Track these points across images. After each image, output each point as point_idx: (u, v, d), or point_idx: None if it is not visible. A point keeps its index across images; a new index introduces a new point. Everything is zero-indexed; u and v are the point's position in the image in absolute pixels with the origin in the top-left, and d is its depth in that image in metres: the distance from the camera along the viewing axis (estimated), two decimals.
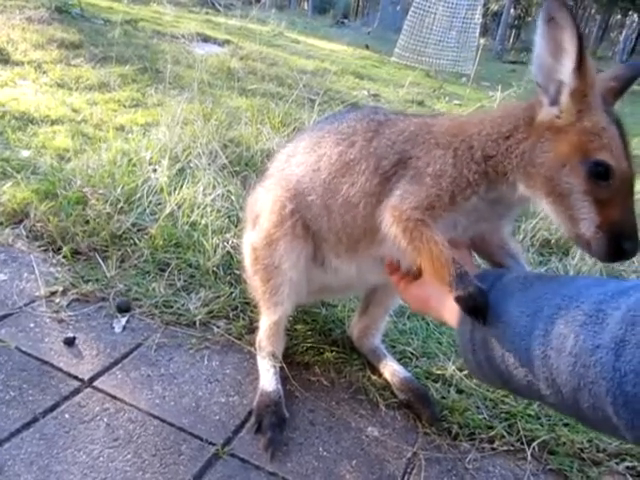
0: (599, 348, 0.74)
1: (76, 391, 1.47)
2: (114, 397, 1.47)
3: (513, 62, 19.19)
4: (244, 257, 1.63)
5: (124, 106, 4.00)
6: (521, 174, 1.09)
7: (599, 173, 0.98)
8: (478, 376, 1.06)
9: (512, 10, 30.58)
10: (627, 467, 1.48)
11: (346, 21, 28.24)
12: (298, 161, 1.46)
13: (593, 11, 40.84)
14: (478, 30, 12.99)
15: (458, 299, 1.05)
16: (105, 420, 1.40)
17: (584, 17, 39.02)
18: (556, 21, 0.98)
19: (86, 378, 1.52)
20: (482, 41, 13.04)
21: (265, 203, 1.49)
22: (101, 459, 1.29)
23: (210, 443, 1.38)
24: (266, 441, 1.38)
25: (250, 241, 1.54)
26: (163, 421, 1.42)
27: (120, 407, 1.44)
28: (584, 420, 0.84)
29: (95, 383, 1.51)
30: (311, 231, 1.45)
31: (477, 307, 1.02)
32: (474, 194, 1.15)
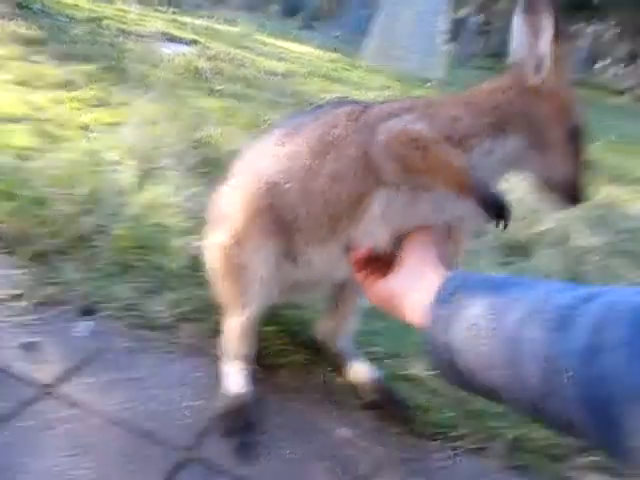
0: (567, 354, 0.74)
1: (36, 397, 1.42)
2: (76, 403, 1.43)
3: (480, 67, 19.54)
4: (210, 259, 1.60)
5: (89, 105, 3.90)
6: (518, 124, 1.21)
7: (574, 133, 1.20)
8: (446, 378, 1.05)
9: (478, 17, 31.15)
10: (591, 462, 1.51)
11: (315, 24, 28.29)
12: (270, 154, 1.44)
13: None
14: (445, 36, 13.19)
15: (486, 201, 1.14)
16: (67, 427, 1.35)
17: None
18: (534, 8, 1.19)
19: (47, 384, 1.47)
20: (449, 47, 13.25)
21: (234, 201, 1.47)
22: (62, 467, 1.24)
23: (177, 448, 1.35)
24: (234, 445, 1.36)
25: (218, 241, 1.51)
26: (127, 426, 1.39)
27: (82, 413, 1.40)
28: (552, 425, 0.84)
29: (56, 389, 1.46)
30: (284, 225, 1.43)
31: (503, 208, 1.14)
32: (480, 141, 1.21)
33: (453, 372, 0.98)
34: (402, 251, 1.22)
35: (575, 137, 1.21)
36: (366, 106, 1.38)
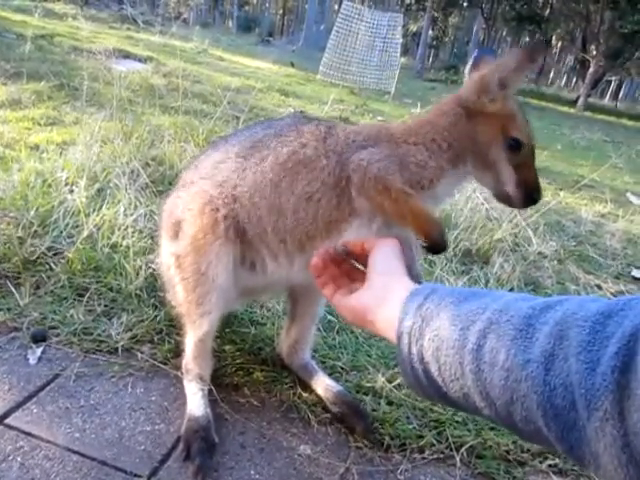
0: (529, 362, 0.76)
1: None
2: (29, 434, 1.37)
3: (432, 80, 20.02)
4: (164, 270, 1.57)
5: (39, 124, 3.82)
6: (470, 153, 1.35)
7: (514, 146, 1.30)
8: (417, 391, 1.05)
9: (430, 31, 31.92)
10: (549, 465, 1.55)
11: (271, 39, 28.48)
12: (232, 167, 1.43)
13: (504, 33, 43.34)
14: (399, 49, 13.47)
15: (437, 245, 1.31)
16: (19, 460, 1.30)
17: (496, 38, 41.33)
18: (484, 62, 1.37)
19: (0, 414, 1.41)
20: (403, 60, 13.55)
21: (190, 209, 1.43)
22: None
23: (135, 475, 1.31)
24: (195, 468, 1.33)
25: (172, 250, 1.48)
26: (83, 456, 1.34)
27: (35, 444, 1.35)
28: (518, 432, 0.85)
29: (7, 420, 1.40)
30: (245, 235, 1.42)
31: (443, 249, 1.33)
32: (443, 176, 1.36)
33: (422, 384, 0.99)
34: (370, 264, 1.21)
35: (518, 149, 1.31)
36: (329, 126, 1.43)
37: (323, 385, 1.66)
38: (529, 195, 1.33)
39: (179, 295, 1.50)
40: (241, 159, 1.43)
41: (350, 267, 1.26)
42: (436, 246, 1.31)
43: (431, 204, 1.39)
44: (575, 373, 0.69)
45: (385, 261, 1.20)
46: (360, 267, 1.25)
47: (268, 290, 1.70)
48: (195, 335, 1.51)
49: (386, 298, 1.11)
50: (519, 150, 1.31)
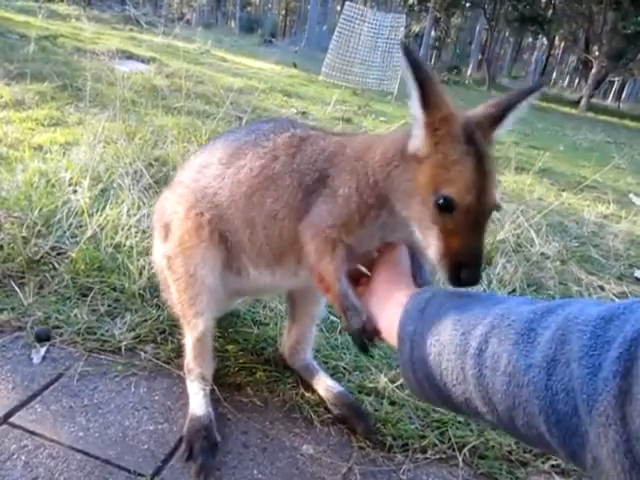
0: (531, 367, 0.76)
1: None
2: (33, 433, 1.38)
3: None
4: (158, 271, 1.59)
5: (42, 125, 3.83)
6: (395, 199, 1.17)
7: (444, 206, 1.03)
8: (419, 395, 1.05)
9: (433, 32, 31.92)
10: (552, 465, 1.55)
11: (274, 40, 28.51)
12: (214, 173, 1.44)
13: (507, 34, 43.33)
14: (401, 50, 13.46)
15: (348, 331, 1.20)
16: (23, 458, 1.31)
17: (499, 39, 41.34)
18: (406, 63, 1.07)
19: (1, 414, 1.41)
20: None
21: (177, 212, 1.46)
22: None
23: (139, 474, 1.32)
24: (197, 467, 1.33)
25: (163, 251, 1.50)
26: (87, 454, 1.35)
27: (39, 443, 1.36)
28: (521, 438, 0.85)
29: (11, 419, 1.41)
30: (229, 241, 1.44)
31: (362, 343, 1.17)
32: (379, 215, 1.22)
33: (424, 388, 0.99)
34: (374, 270, 1.23)
35: (449, 211, 1.03)
36: (302, 138, 1.38)
37: (324, 386, 1.66)
38: (454, 271, 1.04)
39: (173, 296, 1.53)
40: (222, 166, 1.44)
41: (356, 270, 1.25)
42: (353, 339, 1.20)
43: (385, 236, 1.26)
44: (577, 378, 0.69)
45: (389, 268, 1.21)
46: (365, 271, 1.24)
47: (260, 293, 1.70)
48: (192, 335, 1.53)
49: (388, 303, 1.12)
50: (450, 211, 1.03)
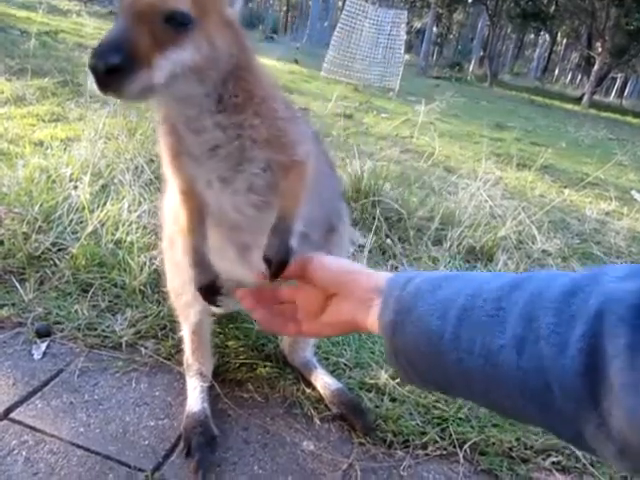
0: (503, 348, 0.76)
1: None
2: (33, 428, 1.38)
3: (437, 77, 19.97)
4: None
5: (43, 120, 3.82)
6: None
7: None
8: (403, 378, 1.06)
9: (435, 28, 31.83)
10: (553, 462, 1.54)
11: (275, 36, 28.45)
12: None
13: (509, 30, 43.21)
14: (403, 46, 13.43)
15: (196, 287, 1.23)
16: (24, 454, 1.31)
17: (501, 35, 41.20)
18: None
19: (1, 410, 1.41)
20: (407, 57, 13.50)
21: (164, 205, 1.47)
22: None
23: (139, 470, 1.32)
24: (195, 463, 1.33)
25: (161, 245, 1.54)
26: (88, 450, 1.35)
27: (40, 438, 1.36)
28: (505, 415, 0.88)
29: (12, 415, 1.41)
30: None
31: (209, 299, 1.24)
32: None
33: (408, 373, 1.00)
34: (320, 277, 1.08)
35: None
36: None
37: (322, 383, 1.66)
38: None
39: (168, 287, 1.55)
40: None
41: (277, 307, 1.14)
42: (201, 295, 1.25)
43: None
44: (546, 356, 0.69)
45: (335, 264, 1.10)
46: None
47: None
48: (187, 328, 1.54)
49: (371, 299, 1.06)
50: None
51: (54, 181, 2.49)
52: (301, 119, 1.30)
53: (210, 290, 1.23)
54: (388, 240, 2.78)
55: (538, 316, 0.73)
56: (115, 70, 0.86)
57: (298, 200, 1.19)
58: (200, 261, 1.23)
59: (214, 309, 1.50)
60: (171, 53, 0.91)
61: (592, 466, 1.55)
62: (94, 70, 0.86)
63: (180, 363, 1.65)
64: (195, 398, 1.50)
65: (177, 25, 0.92)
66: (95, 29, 9.21)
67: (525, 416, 0.80)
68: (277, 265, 1.11)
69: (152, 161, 2.99)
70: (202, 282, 1.23)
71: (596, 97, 27.30)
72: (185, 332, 1.56)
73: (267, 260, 1.13)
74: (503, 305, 0.79)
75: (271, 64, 11.70)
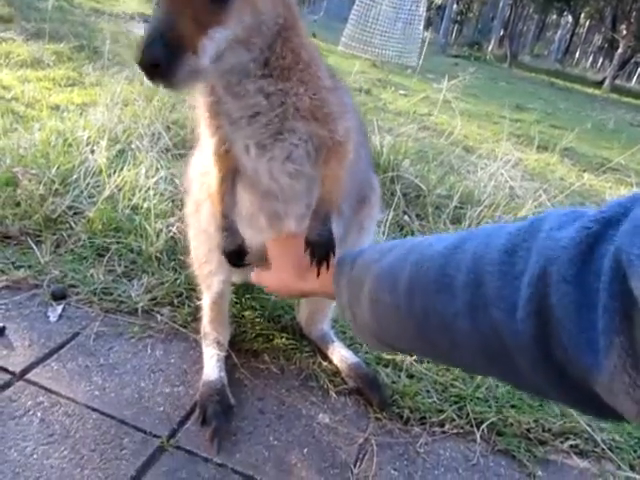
0: (457, 315, 0.76)
1: (6, 385, 1.36)
2: (49, 390, 1.37)
3: (456, 56, 19.60)
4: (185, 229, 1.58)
5: (59, 85, 3.78)
6: None
7: None
8: (366, 342, 1.13)
9: (455, 5, 31.20)
10: (571, 445, 1.52)
11: None
12: None
13: (531, 10, 42.24)
14: (422, 23, 13.16)
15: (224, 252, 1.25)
16: (39, 415, 1.30)
17: (522, 15, 40.29)
18: None
19: (17, 371, 1.41)
20: (426, 34, 13.23)
21: (191, 170, 1.45)
22: (35, 456, 1.20)
23: (154, 436, 1.31)
24: (211, 431, 1.32)
25: (186, 210, 1.51)
26: (103, 414, 1.34)
27: (55, 400, 1.35)
28: (462, 369, 0.99)
29: (28, 376, 1.41)
30: None
31: (235, 263, 1.26)
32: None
33: (375, 344, 1.04)
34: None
35: None
36: None
37: (339, 356, 1.64)
38: None
39: (191, 254, 1.53)
40: None
41: None
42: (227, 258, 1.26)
43: None
44: (498, 321, 0.69)
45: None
46: None
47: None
48: (208, 296, 1.52)
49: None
50: None
51: (70, 145, 2.46)
52: (343, 89, 1.26)
53: (237, 255, 1.24)
54: (406, 217, 2.73)
55: (483, 281, 0.72)
56: (161, 63, 0.84)
57: (339, 185, 1.20)
58: (229, 226, 1.22)
59: (234, 279, 1.48)
60: (214, 32, 0.88)
61: (611, 450, 1.52)
62: (141, 65, 0.85)
63: (196, 331, 1.63)
64: (212, 367, 1.49)
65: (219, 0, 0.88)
66: None
67: (487, 373, 0.86)
68: (321, 250, 1.15)
69: (169, 128, 2.95)
70: (229, 247, 1.23)
71: (617, 82, 26.72)
72: (205, 301, 1.54)
73: (310, 244, 1.16)
74: (447, 271, 0.79)
75: None
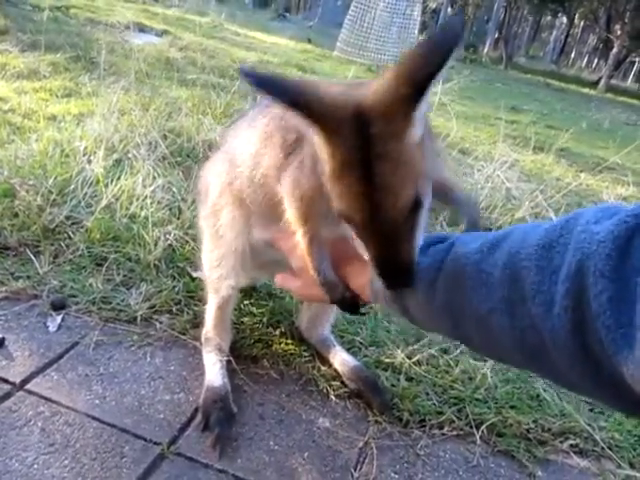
0: (493, 311, 0.76)
1: (7, 395, 1.37)
2: (49, 400, 1.38)
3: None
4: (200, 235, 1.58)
5: (56, 95, 3.79)
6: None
7: (344, 219, 0.91)
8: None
9: (449, 8, 31.30)
10: (570, 445, 1.53)
11: (288, 15, 28.06)
12: (235, 137, 1.42)
13: (525, 12, 42.39)
14: (418, 27, 13.21)
15: (333, 302, 1.17)
16: (39, 424, 1.31)
17: (517, 17, 40.44)
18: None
19: (17, 381, 1.41)
20: (421, 38, 13.27)
21: (211, 175, 1.46)
22: (36, 466, 1.20)
23: (155, 443, 1.31)
24: (214, 438, 1.33)
25: (201, 214, 1.51)
26: (103, 422, 1.34)
27: (56, 410, 1.35)
28: (498, 361, 0.98)
29: (28, 386, 1.41)
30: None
31: (351, 310, 1.18)
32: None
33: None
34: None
35: (349, 223, 0.92)
36: None
37: (340, 360, 1.65)
38: (382, 279, 0.92)
39: (203, 257, 1.53)
40: (241, 131, 1.39)
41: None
42: (341, 308, 1.20)
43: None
44: (535, 316, 0.70)
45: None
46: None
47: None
48: (214, 301, 1.52)
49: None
50: (349, 222, 0.90)
51: (68, 155, 2.48)
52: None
53: (349, 305, 1.17)
54: None
55: (520, 277, 0.73)
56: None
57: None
58: (325, 281, 1.14)
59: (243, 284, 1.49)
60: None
61: (610, 449, 1.53)
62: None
63: (195, 338, 1.64)
64: (215, 373, 1.49)
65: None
66: (107, 5, 9.15)
67: (522, 367, 0.84)
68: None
69: (165, 137, 2.97)
70: (335, 298, 1.15)
71: (613, 81, 26.79)
72: (210, 305, 1.55)
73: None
74: (483, 267, 0.79)
75: (283, 43, 11.59)
